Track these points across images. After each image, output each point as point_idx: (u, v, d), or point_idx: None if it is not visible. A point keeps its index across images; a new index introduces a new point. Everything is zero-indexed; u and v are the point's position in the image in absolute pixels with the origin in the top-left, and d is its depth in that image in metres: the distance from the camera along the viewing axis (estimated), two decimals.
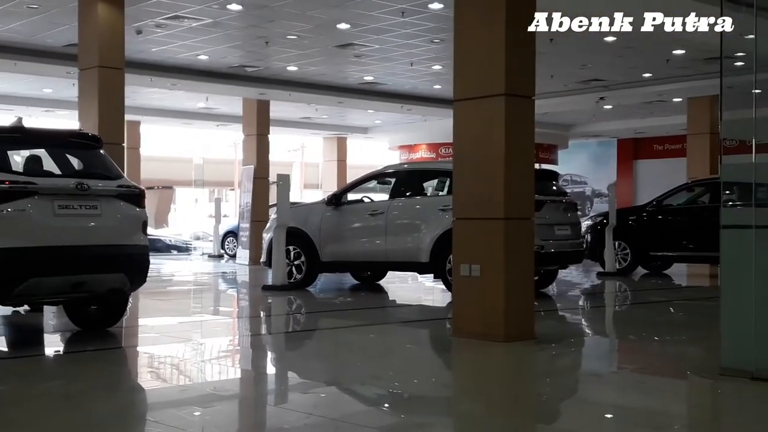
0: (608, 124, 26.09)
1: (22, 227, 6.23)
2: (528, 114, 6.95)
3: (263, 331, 8.39)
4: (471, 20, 6.98)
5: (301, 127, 26.06)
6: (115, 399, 4.97)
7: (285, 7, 12.36)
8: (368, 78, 18.41)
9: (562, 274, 13.62)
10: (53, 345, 7.15)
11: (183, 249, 24.02)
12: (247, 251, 18.47)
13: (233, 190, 31.01)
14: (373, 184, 12.63)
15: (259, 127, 19.76)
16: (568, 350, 7.03)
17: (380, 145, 29.98)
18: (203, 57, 15.97)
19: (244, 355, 6.79)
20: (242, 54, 15.81)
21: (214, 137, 29.81)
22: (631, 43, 14.64)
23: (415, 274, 12.47)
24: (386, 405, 4.94)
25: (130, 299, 7.93)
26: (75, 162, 7.21)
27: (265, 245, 12.09)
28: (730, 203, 5.71)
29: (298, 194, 30.53)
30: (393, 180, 11.65)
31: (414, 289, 12.98)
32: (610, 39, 14.38)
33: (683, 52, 15.39)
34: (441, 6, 12.09)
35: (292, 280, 11.51)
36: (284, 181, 11.74)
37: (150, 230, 15.64)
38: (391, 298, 11.50)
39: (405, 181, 11.42)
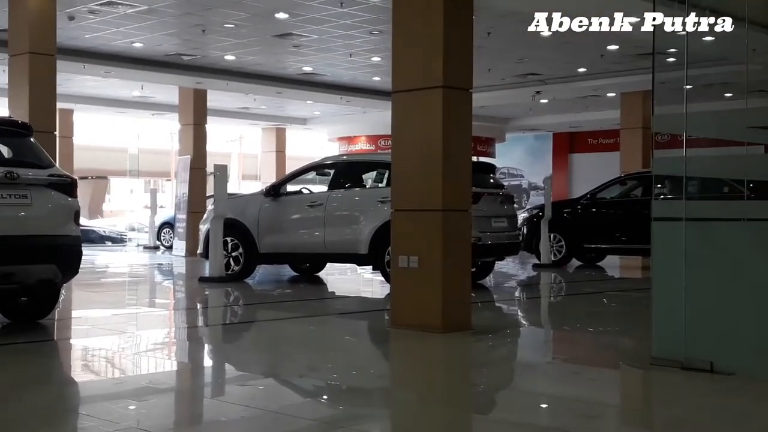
0: (544, 118, 26.46)
1: None
2: (465, 107, 7.00)
3: (200, 323, 8.30)
4: (409, 12, 6.99)
5: (239, 118, 25.79)
6: (47, 392, 4.87)
7: None
8: (307, 69, 18.32)
9: (499, 265, 13.78)
10: None
11: (117, 240, 23.60)
12: (184, 242, 18.24)
13: (169, 180, 30.56)
14: (312, 175, 12.59)
15: (196, 116, 19.48)
16: (504, 341, 7.12)
17: (319, 136, 29.87)
18: (138, 44, 15.67)
19: (180, 348, 6.71)
20: (178, 42, 15.56)
21: (149, 126, 29.32)
22: (567, 38, 14.85)
23: (354, 265, 12.48)
24: (324, 397, 4.94)
25: (63, 291, 7.76)
26: (4, 150, 7.02)
27: (202, 236, 11.96)
28: (662, 196, 5.85)
29: (236, 185, 30.22)
30: (332, 171, 11.62)
31: (353, 280, 12.99)
32: (546, 34, 14.56)
33: (617, 47, 15.67)
34: None
35: (229, 272, 11.40)
36: (222, 171, 11.62)
37: (83, 221, 15.34)
38: (330, 290, 11.49)
39: (344, 172, 11.41)
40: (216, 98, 20.93)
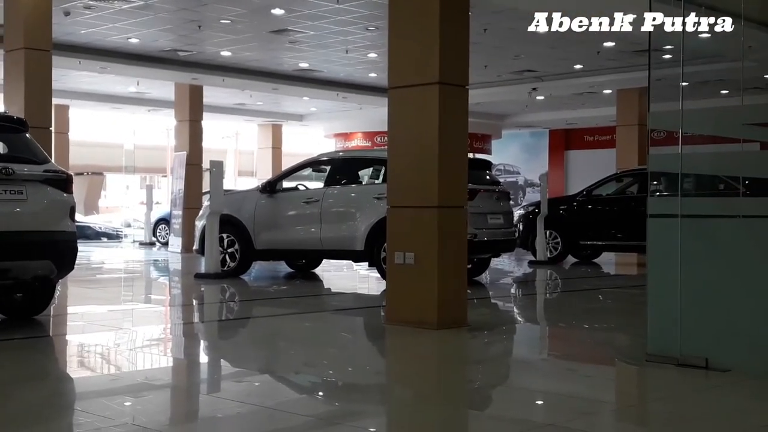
0: (540, 114, 26.47)
1: None
2: (462, 103, 7.00)
3: (196, 319, 8.30)
4: (406, 8, 6.98)
5: (235, 114, 25.76)
6: (42, 388, 4.86)
7: None
8: (303, 65, 18.30)
9: (495, 262, 13.79)
10: None
11: (113, 236, 23.57)
12: (180, 239, 18.22)
13: (165, 176, 30.52)
14: (308, 171, 12.57)
15: (192, 112, 19.45)
16: (500, 337, 7.13)
17: (316, 132, 29.83)
18: (134, 40, 15.65)
19: (176, 344, 6.70)
20: (174, 38, 15.54)
21: (145, 123, 29.25)
22: (563, 34, 14.85)
23: (350, 262, 12.48)
24: (320, 393, 4.94)
25: (58, 287, 7.75)
26: None
27: (197, 233, 11.95)
28: (657, 193, 5.86)
29: (232, 182, 30.19)
30: (328, 168, 11.62)
31: (349, 277, 12.99)
32: (542, 30, 14.55)
33: (613, 44, 15.69)
34: None
35: (225, 268, 11.40)
36: (218, 167, 11.61)
37: (79, 217, 15.32)
38: (325, 287, 11.49)
39: (340, 169, 11.40)
40: (212, 94, 20.90)
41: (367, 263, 11.05)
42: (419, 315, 6.82)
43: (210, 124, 24.02)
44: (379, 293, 9.87)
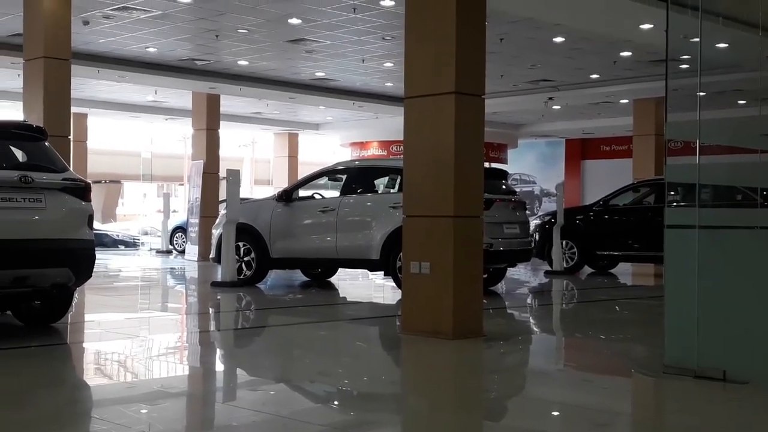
0: (557, 124, 26.42)
1: None
2: (478, 113, 7.00)
3: (212, 327, 8.32)
4: (422, 18, 7.00)
5: (251, 123, 25.86)
6: (60, 396, 4.89)
7: (235, 0, 12.26)
8: (320, 74, 18.36)
9: (511, 272, 13.75)
10: None
11: (130, 244, 23.69)
12: (196, 247, 18.28)
13: (182, 185, 30.67)
14: (324, 180, 12.59)
15: (209, 121, 19.55)
16: (516, 348, 7.10)
17: (332, 141, 29.90)
18: (152, 49, 15.75)
19: (192, 352, 6.73)
20: (192, 47, 15.64)
21: (163, 131, 29.43)
22: (580, 44, 14.84)
23: (366, 271, 12.48)
24: (335, 402, 4.94)
25: (76, 295, 7.79)
26: (19, 154, 7.05)
27: (214, 241, 11.99)
28: (674, 203, 5.83)
29: (248, 190, 30.28)
30: (344, 177, 11.63)
31: (364, 286, 12.99)
32: (559, 40, 14.56)
33: (630, 54, 15.65)
34: (393, 3, 12.10)
35: (241, 277, 11.42)
36: (234, 176, 11.66)
37: (97, 225, 15.41)
38: (341, 295, 11.49)
39: (356, 178, 11.41)
40: (229, 103, 21.01)
41: (382, 272, 11.04)
42: (435, 325, 6.81)
43: (227, 132, 24.12)
44: (394, 303, 9.87)
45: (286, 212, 11.31)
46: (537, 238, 14.81)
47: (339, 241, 10.78)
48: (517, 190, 18.48)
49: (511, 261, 11.47)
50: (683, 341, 5.27)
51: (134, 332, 7.54)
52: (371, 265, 10.80)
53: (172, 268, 16.13)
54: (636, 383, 5.64)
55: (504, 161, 27.70)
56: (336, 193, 11.59)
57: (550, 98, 20.14)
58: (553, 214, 15.10)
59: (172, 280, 14.05)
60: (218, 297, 10.39)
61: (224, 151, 20.75)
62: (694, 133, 5.32)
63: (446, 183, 6.78)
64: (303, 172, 23.60)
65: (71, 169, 7.35)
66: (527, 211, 12.14)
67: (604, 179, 25.86)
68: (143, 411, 4.49)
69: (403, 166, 7.24)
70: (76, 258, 6.81)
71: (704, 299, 5.20)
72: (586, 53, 15.58)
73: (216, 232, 11.90)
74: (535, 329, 8.56)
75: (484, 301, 7.37)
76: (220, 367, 6.21)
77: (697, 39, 5.35)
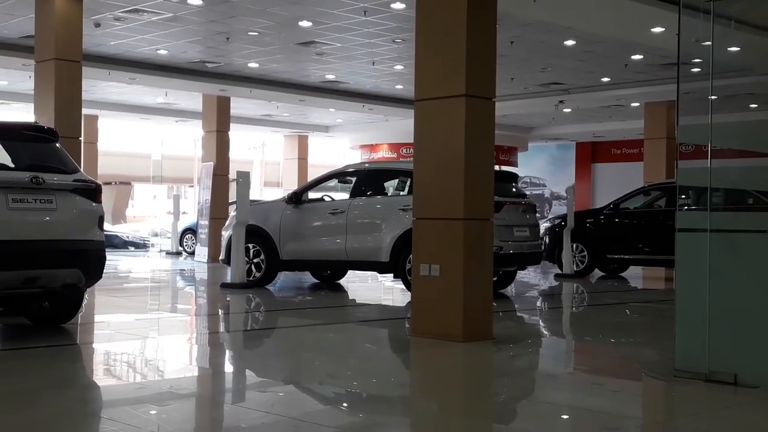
0: (567, 127, 26.35)
1: None
2: (488, 115, 6.99)
3: (221, 329, 8.33)
4: (433, 21, 6.99)
5: (261, 125, 25.91)
6: (69, 396, 4.90)
7: (246, 2, 12.28)
8: (330, 76, 18.38)
9: (521, 275, 13.72)
10: (4, 341, 7.02)
11: (140, 245, 23.75)
12: (206, 248, 18.32)
13: (192, 186, 30.75)
14: (333, 183, 12.61)
15: (219, 123, 19.60)
16: (526, 351, 7.08)
17: (341, 144, 29.91)
18: (163, 51, 15.80)
19: (201, 353, 6.73)
20: (202, 49, 15.67)
21: (173, 133, 29.50)
22: (591, 47, 14.81)
23: (375, 273, 12.48)
24: (344, 404, 4.94)
25: (86, 295, 7.81)
26: (30, 155, 7.07)
27: (224, 243, 12.01)
28: (686, 207, 5.80)
29: (258, 192, 30.32)
30: (354, 179, 11.63)
31: (374, 288, 12.98)
32: (570, 43, 14.53)
33: (641, 57, 15.60)
34: (403, 6, 12.11)
35: (251, 278, 11.44)
36: (244, 178, 11.67)
37: (107, 226, 15.46)
38: (350, 298, 11.49)
39: (366, 180, 11.41)
40: (239, 105, 21.05)
41: (392, 275, 11.04)
42: (444, 327, 6.80)
43: (237, 134, 24.15)
44: (404, 305, 9.86)
45: (296, 214, 11.32)
46: (547, 241, 14.77)
47: (348, 243, 10.78)
48: (528, 193, 18.45)
49: (521, 264, 11.45)
50: (694, 345, 5.25)
51: (144, 333, 7.55)
52: (381, 268, 10.79)
53: (181, 270, 16.16)
54: (646, 387, 5.62)
55: (514, 164, 27.66)
56: (346, 196, 11.60)
57: (561, 101, 20.10)
58: (564, 217, 15.06)
59: (181, 282, 14.08)
60: (228, 298, 10.41)
61: (234, 153, 20.80)
62: (705, 136, 5.30)
63: (456, 185, 6.77)
64: (313, 175, 23.63)
65: (82, 170, 7.37)
66: (537, 214, 12.11)
67: (615, 182, 25.78)
68: (152, 412, 4.50)
69: (413, 168, 7.24)
70: (86, 259, 6.83)
71: (715, 303, 5.18)
72: (597, 56, 15.54)
73: (226, 234, 11.92)
74: (545, 332, 8.54)
75: (494, 304, 7.35)
76: (229, 368, 6.22)
77: (709, 42, 5.33)
